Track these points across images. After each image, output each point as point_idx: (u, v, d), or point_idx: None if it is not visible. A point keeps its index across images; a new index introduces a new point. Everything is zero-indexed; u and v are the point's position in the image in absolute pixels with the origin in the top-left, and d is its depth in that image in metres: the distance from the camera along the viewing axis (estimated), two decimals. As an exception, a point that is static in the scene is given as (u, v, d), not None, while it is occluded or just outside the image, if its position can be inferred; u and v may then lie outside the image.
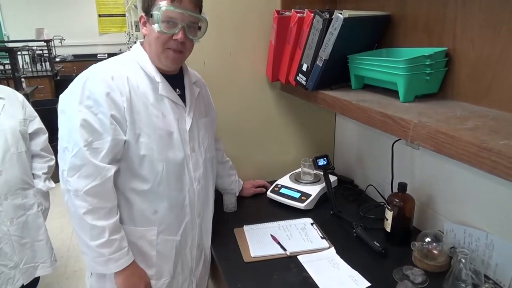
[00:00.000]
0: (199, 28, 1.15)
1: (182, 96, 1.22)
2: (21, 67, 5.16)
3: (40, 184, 1.80)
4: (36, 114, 1.86)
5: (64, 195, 1.09)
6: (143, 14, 1.14)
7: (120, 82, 1.08)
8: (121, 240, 1.11)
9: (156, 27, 1.08)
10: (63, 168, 1.07)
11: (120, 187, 1.14)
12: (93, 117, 1.04)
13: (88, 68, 1.12)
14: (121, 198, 1.15)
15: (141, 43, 1.20)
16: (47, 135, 1.88)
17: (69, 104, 1.07)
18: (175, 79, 1.21)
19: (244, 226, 1.44)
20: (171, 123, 1.16)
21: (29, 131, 1.78)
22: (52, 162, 1.88)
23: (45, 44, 5.73)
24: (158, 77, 1.14)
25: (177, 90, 1.21)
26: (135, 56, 1.16)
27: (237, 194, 1.61)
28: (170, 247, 1.23)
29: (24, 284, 1.77)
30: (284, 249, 1.28)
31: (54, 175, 1.63)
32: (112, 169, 1.08)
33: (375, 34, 1.31)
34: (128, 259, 1.13)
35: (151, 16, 1.08)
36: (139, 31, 3.03)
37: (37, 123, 1.83)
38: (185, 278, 1.31)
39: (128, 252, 1.13)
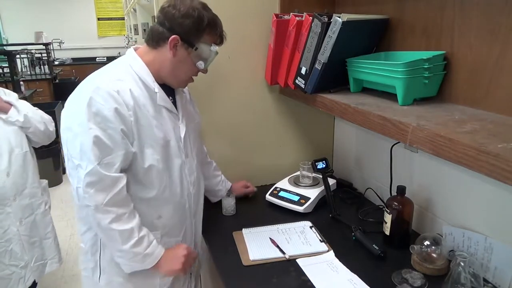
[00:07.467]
0: None
1: (174, 103, 1.24)
2: (20, 70, 5.16)
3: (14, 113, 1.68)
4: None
5: (82, 210, 1.13)
6: (177, 37, 1.09)
7: (125, 96, 1.07)
8: (148, 234, 1.14)
9: (201, 65, 1.15)
10: (77, 185, 1.06)
11: None
12: (103, 133, 1.04)
13: (89, 82, 1.09)
14: None
15: (135, 49, 1.19)
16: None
17: (76, 121, 1.05)
18: (167, 87, 1.21)
19: (243, 229, 1.43)
20: (168, 132, 1.18)
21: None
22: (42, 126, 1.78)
23: (44, 47, 5.73)
24: (156, 88, 1.15)
25: (170, 98, 1.22)
26: (132, 66, 1.14)
27: (224, 194, 1.58)
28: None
29: (36, 282, 1.79)
30: (283, 253, 1.28)
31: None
32: (125, 178, 1.10)
33: (373, 38, 1.31)
34: (161, 249, 1.16)
35: (195, 49, 1.12)
36: (138, 34, 3.02)
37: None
38: (186, 276, 1.35)
39: (158, 244, 1.16)
